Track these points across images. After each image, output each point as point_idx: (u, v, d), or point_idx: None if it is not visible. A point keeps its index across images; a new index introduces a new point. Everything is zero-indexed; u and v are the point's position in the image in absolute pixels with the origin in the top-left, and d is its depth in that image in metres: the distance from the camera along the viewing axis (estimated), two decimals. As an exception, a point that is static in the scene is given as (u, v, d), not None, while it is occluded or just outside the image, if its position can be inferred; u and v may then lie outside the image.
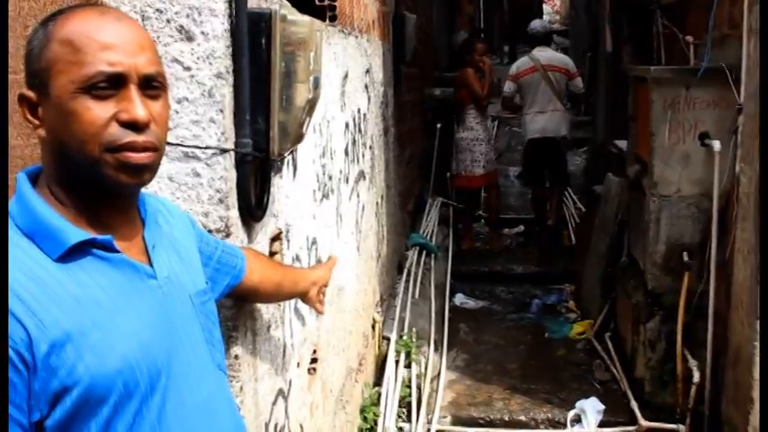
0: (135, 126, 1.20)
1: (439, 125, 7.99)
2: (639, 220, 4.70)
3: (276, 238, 2.36)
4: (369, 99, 4.36)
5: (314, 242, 2.89)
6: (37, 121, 1.22)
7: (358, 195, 3.97)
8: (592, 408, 4.23)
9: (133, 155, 1.21)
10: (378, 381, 4.37)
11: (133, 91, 1.20)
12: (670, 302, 4.25)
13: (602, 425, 4.19)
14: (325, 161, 3.08)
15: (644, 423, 4.10)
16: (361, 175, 4.08)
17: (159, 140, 1.25)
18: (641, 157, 4.67)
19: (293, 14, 2.02)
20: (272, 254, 2.30)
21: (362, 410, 3.97)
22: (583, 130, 9.72)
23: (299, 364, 2.58)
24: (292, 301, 2.49)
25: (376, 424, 3.92)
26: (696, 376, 3.98)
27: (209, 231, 1.85)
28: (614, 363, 4.80)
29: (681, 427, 4.04)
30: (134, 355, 1.19)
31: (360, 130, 4.04)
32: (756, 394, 3.57)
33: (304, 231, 2.72)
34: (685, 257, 4.18)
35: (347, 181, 3.64)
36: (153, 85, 1.24)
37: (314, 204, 2.88)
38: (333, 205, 3.29)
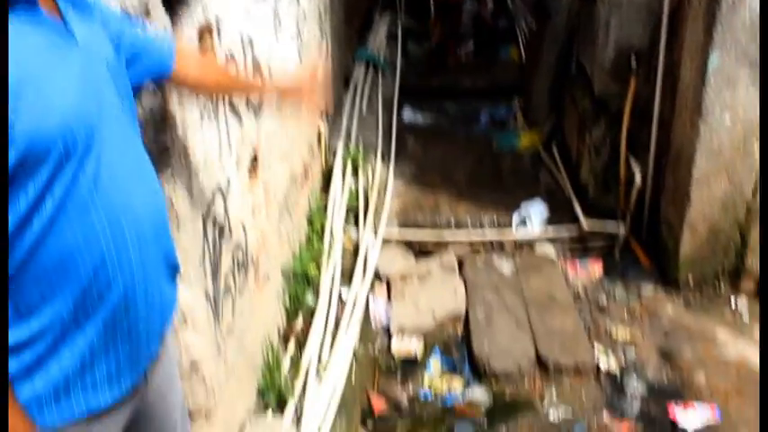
0: None
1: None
2: (589, 28, 4.61)
3: (206, 32, 2.24)
4: None
5: (250, 42, 2.77)
6: None
7: (298, 1, 3.78)
8: (536, 211, 4.32)
9: None
10: (325, 188, 4.38)
11: None
12: (616, 108, 4.26)
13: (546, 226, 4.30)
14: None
15: (586, 224, 4.20)
16: (302, -21, 3.88)
17: None
18: (593, -39, 4.52)
19: None
20: (202, 50, 2.19)
21: (310, 218, 4.00)
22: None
23: (237, 164, 2.54)
24: (226, 97, 2.41)
25: (323, 230, 3.96)
26: (638, 179, 4.05)
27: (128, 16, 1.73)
28: (560, 170, 4.86)
29: (621, 227, 4.16)
30: (71, 113, 1.18)
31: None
32: (692, 192, 3.67)
33: (237, 28, 2.59)
34: (633, 62, 4.14)
35: (285, -19, 3.45)
36: None
37: (247, 1, 2.74)
38: (270, 5, 3.13)
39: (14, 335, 1.21)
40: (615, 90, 4.29)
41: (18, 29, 1.15)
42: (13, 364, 1.21)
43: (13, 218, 1.15)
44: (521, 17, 8.04)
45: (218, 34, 2.35)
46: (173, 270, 1.50)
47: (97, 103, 1.26)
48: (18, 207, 1.15)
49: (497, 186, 4.81)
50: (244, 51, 2.69)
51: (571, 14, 5.23)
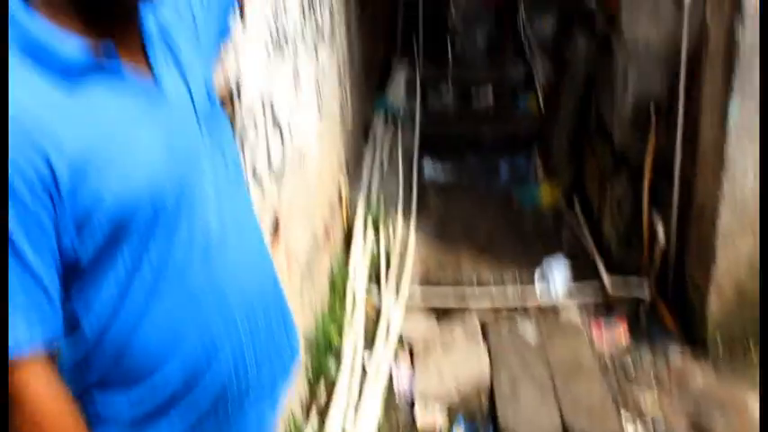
0: None
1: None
2: (607, 77, 4.57)
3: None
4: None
5: (270, 102, 2.75)
6: None
7: (317, 57, 3.77)
8: (559, 269, 4.23)
9: None
10: (346, 249, 4.32)
11: None
12: (637, 161, 4.18)
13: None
14: (278, 17, 2.89)
15: (611, 286, 4.11)
16: (321, 35, 3.87)
17: None
18: (610, 12, 4.49)
19: None
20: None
21: (332, 281, 3.93)
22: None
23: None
24: (250, 167, 2.38)
25: (345, 291, 3.89)
26: (661, 236, 3.96)
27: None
28: (581, 225, 4.79)
29: (646, 288, 4.05)
30: (158, 174, 1.13)
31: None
32: (718, 251, 3.57)
33: (258, 88, 2.57)
34: (652, 112, 4.07)
35: (304, 39, 3.43)
36: None
37: (267, 60, 2.72)
38: (289, 64, 3.11)
39: (126, 398, 1.21)
40: (635, 142, 4.22)
41: (103, 84, 1.11)
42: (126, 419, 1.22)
43: (116, 283, 1.13)
44: (538, 66, 8.03)
45: (239, 95, 2.33)
46: (289, 348, 1.44)
47: (187, 162, 1.20)
48: (118, 273, 1.13)
49: (519, 242, 4.74)
50: (264, 111, 2.66)
51: (589, 64, 5.20)
